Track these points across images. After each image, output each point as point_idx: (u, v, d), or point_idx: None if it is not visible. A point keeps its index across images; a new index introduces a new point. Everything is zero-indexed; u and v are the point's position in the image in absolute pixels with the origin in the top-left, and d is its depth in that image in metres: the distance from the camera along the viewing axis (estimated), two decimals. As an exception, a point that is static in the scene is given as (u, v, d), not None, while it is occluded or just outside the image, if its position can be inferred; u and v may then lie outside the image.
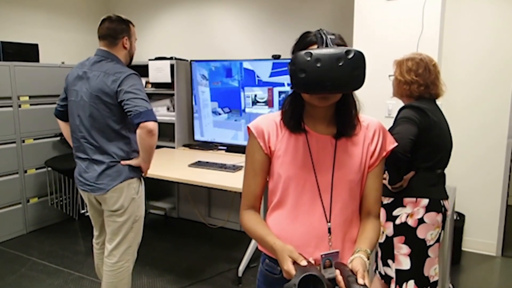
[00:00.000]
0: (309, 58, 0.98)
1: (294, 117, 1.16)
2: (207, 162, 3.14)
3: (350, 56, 0.99)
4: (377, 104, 2.89)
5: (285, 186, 1.16)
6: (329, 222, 1.14)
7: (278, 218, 1.19)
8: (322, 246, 1.13)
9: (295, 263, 0.99)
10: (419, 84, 1.88)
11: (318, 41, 1.05)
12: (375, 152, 1.18)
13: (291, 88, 1.09)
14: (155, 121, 2.01)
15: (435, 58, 2.03)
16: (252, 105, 3.56)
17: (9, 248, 3.42)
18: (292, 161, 1.15)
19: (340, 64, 0.98)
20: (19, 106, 3.57)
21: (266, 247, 1.13)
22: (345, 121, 1.15)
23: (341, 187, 1.15)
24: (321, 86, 1.00)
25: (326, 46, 1.03)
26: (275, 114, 1.21)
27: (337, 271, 1.01)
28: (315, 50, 0.99)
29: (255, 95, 3.53)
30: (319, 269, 1.00)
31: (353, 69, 0.99)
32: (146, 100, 2.01)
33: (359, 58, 1.00)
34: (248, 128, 1.21)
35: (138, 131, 1.99)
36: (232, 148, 3.70)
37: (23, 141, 3.63)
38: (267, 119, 1.20)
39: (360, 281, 0.95)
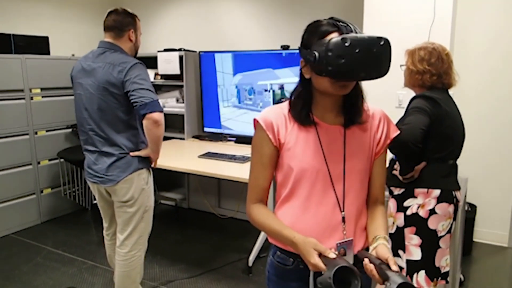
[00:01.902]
0: (347, 44, 0.96)
1: (304, 109, 1.14)
2: (216, 153, 3.15)
3: (382, 43, 1.00)
4: (388, 94, 2.86)
5: (297, 178, 1.14)
6: (343, 211, 1.15)
7: (289, 210, 1.18)
8: (336, 235, 1.14)
9: (320, 255, 0.99)
10: (432, 74, 1.86)
11: (342, 29, 1.03)
12: (381, 140, 1.20)
13: (320, 74, 1.03)
14: (161, 111, 2.02)
15: (447, 46, 1.99)
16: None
17: (24, 238, 3.49)
18: (303, 152, 1.13)
19: (374, 50, 0.99)
20: (31, 98, 3.61)
21: (282, 240, 1.12)
22: (355, 109, 1.16)
23: (353, 176, 1.16)
24: (357, 72, 1.00)
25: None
26: (282, 106, 1.19)
27: (366, 260, 1.02)
28: (351, 36, 0.97)
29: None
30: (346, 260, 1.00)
31: (383, 56, 1.01)
32: (151, 91, 2.01)
33: (388, 45, 1.02)
34: (256, 120, 1.18)
35: (144, 122, 2.00)
36: (241, 139, 3.70)
37: (36, 133, 3.68)
38: (275, 111, 1.17)
39: (394, 267, 0.96)
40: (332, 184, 1.14)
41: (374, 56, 0.99)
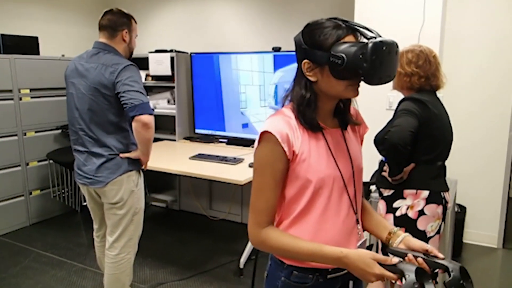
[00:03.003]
0: (384, 48, 0.96)
1: (314, 116, 1.08)
2: (208, 155, 3.14)
3: (397, 46, 1.02)
4: (378, 96, 2.88)
5: (315, 190, 1.07)
6: (356, 213, 1.15)
7: (306, 226, 1.09)
8: (353, 238, 1.14)
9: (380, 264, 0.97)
10: (420, 76, 1.87)
11: (358, 31, 1.02)
12: (362, 136, 1.26)
13: (343, 78, 1.01)
14: (151, 114, 2.00)
15: (436, 50, 2.01)
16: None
17: (12, 240, 3.44)
18: (318, 161, 1.08)
19: (395, 53, 1.01)
20: (20, 99, 3.57)
21: (321, 259, 1.04)
22: (348, 110, 1.17)
23: (359, 176, 1.17)
24: (387, 75, 1.01)
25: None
26: (286, 113, 1.09)
27: (410, 255, 1.00)
28: (385, 39, 0.97)
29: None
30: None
31: (397, 58, 1.03)
32: (142, 93, 2.00)
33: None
34: (267, 133, 1.04)
35: (133, 124, 1.99)
36: (233, 141, 3.70)
37: (25, 134, 3.64)
38: (285, 121, 1.07)
39: (441, 255, 0.99)
40: (346, 188, 1.12)
41: (395, 59, 1.01)
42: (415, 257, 0.99)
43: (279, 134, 1.03)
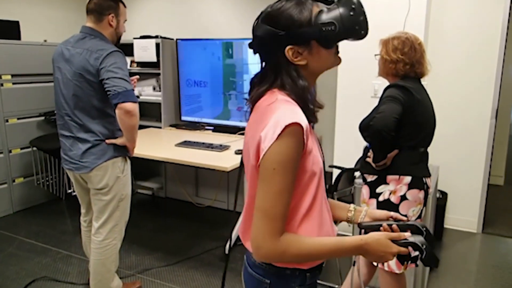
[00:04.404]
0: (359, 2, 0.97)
1: (312, 104, 1.02)
2: (194, 142, 3.13)
3: None
4: (363, 84, 2.91)
5: (318, 182, 1.01)
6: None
7: (312, 223, 1.02)
8: (333, 225, 1.12)
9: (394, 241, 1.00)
10: (405, 63, 1.90)
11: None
12: None
13: (356, 37, 0.99)
14: (134, 102, 1.98)
15: (421, 37, 2.03)
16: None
17: (-5, 228, 3.41)
18: (317, 152, 1.02)
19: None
20: (1, 85, 3.49)
21: (345, 252, 0.99)
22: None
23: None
24: (367, 27, 0.99)
25: None
26: (294, 103, 0.98)
27: (385, 225, 1.07)
28: None
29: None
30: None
31: None
32: (126, 80, 1.98)
33: None
34: (295, 125, 0.90)
35: (116, 111, 1.97)
36: (219, 128, 3.69)
37: (7, 121, 3.57)
38: (300, 111, 0.96)
39: (404, 218, 1.10)
40: (325, 175, 1.08)
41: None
42: (389, 225, 1.06)
43: (305, 126, 0.92)
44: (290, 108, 0.94)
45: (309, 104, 0.99)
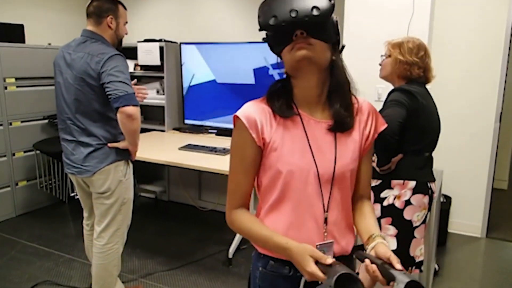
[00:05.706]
0: None
1: (283, 98, 1.05)
2: (197, 146, 3.13)
3: None
4: (367, 87, 2.89)
5: (286, 181, 1.04)
6: (327, 212, 1.07)
7: (280, 217, 1.07)
8: (320, 236, 1.08)
9: (317, 262, 0.93)
10: (419, 66, 1.90)
11: None
12: (370, 135, 1.12)
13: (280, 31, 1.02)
14: (136, 105, 1.97)
15: (425, 42, 2.03)
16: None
17: (-2, 231, 3.41)
18: (290, 152, 1.04)
19: None
20: (5, 88, 3.51)
21: (272, 248, 1.04)
22: (338, 101, 1.06)
23: (342, 176, 1.08)
24: (287, 10, 1.00)
25: None
26: (264, 101, 1.08)
27: (367, 261, 0.96)
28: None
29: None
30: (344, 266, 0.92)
31: None
32: (127, 83, 1.97)
33: None
34: (236, 117, 1.05)
35: (118, 115, 1.97)
36: (222, 132, 3.69)
37: (10, 124, 3.58)
38: (257, 107, 1.06)
39: (398, 266, 0.91)
40: (320, 185, 1.05)
41: None
42: (373, 262, 0.95)
43: (246, 120, 1.04)
44: (249, 103, 1.08)
45: (272, 99, 1.06)
